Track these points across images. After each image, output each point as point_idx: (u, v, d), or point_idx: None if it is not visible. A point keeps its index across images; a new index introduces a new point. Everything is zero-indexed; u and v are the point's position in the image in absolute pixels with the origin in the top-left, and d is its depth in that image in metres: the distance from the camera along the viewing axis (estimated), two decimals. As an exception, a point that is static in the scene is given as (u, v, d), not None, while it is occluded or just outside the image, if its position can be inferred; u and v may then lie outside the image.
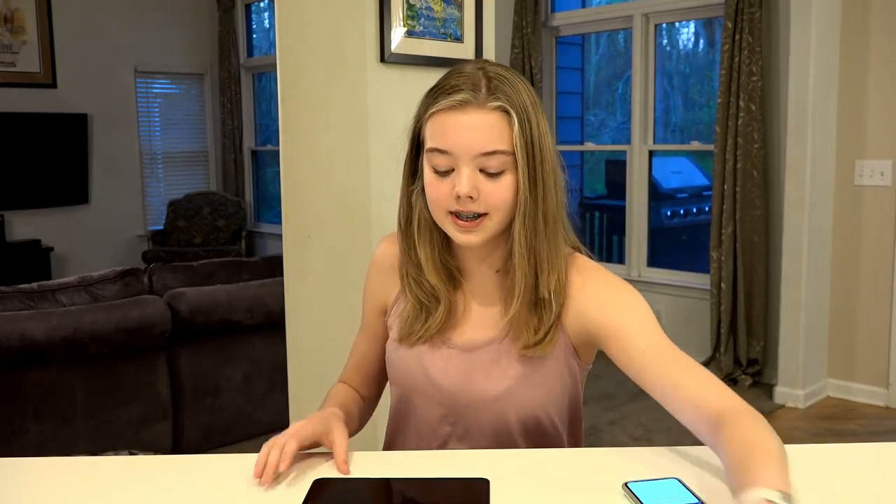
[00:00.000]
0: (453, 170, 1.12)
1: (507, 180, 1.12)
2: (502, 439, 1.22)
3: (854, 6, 3.95)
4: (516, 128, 1.10)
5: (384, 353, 1.33)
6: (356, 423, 1.33)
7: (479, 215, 1.13)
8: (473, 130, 1.10)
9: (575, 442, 1.30)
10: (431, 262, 1.21)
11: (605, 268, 1.24)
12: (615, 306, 1.17)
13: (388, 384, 1.38)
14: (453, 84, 1.12)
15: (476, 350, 1.22)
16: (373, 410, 1.42)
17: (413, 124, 1.19)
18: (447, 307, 1.22)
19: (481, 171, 1.12)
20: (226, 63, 7.16)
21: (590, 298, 1.18)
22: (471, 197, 1.11)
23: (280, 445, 1.09)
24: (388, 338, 1.32)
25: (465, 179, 1.11)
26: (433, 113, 1.13)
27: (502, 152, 1.11)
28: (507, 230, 1.16)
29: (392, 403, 1.34)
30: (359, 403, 1.36)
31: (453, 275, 1.24)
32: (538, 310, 1.17)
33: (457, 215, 1.14)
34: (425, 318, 1.23)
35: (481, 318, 1.23)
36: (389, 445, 1.35)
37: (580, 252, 1.25)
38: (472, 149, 1.10)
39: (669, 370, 1.12)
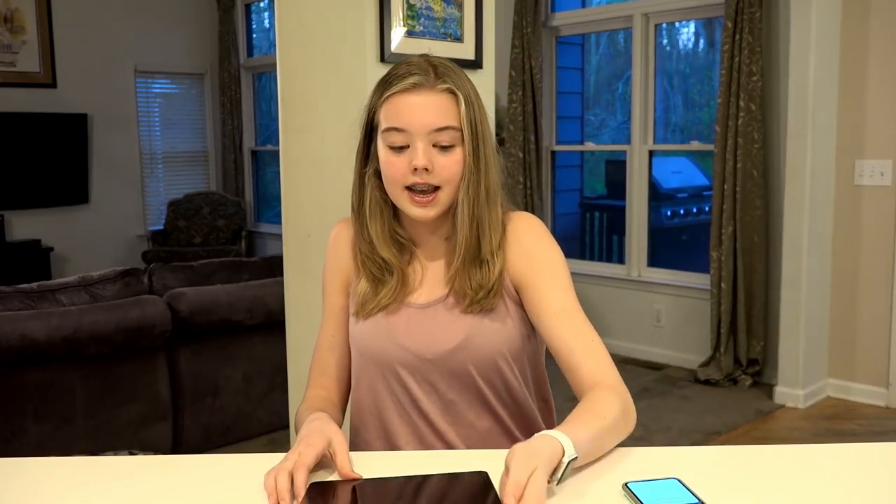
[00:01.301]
0: (408, 146, 1.23)
1: (457, 155, 1.24)
2: (469, 390, 1.29)
3: (854, 6, 3.95)
4: (462, 107, 1.23)
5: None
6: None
7: (434, 189, 1.24)
8: (426, 109, 1.22)
9: (548, 411, 1.39)
10: (382, 236, 1.31)
11: (545, 227, 1.34)
12: (537, 262, 1.28)
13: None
14: (404, 71, 1.25)
15: (432, 307, 1.31)
16: (344, 412, 1.42)
17: (366, 112, 1.30)
18: (399, 278, 1.31)
19: (434, 146, 1.23)
20: (226, 63, 7.16)
21: (518, 250, 1.29)
22: (426, 169, 1.22)
23: (287, 471, 1.03)
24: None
25: (421, 153, 1.22)
26: (388, 97, 1.24)
27: (452, 128, 1.23)
28: (454, 202, 1.27)
29: (354, 385, 1.36)
30: (333, 413, 1.34)
31: (405, 246, 1.33)
32: (482, 269, 1.27)
33: (412, 191, 1.24)
34: (378, 291, 1.31)
35: (434, 279, 1.33)
36: (356, 428, 1.37)
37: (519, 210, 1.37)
38: (425, 125, 1.22)
39: (570, 334, 1.24)
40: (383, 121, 1.25)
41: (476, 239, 1.26)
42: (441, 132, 1.22)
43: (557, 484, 1.03)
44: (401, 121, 1.22)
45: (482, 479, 1.04)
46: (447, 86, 1.23)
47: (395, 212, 1.32)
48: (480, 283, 1.26)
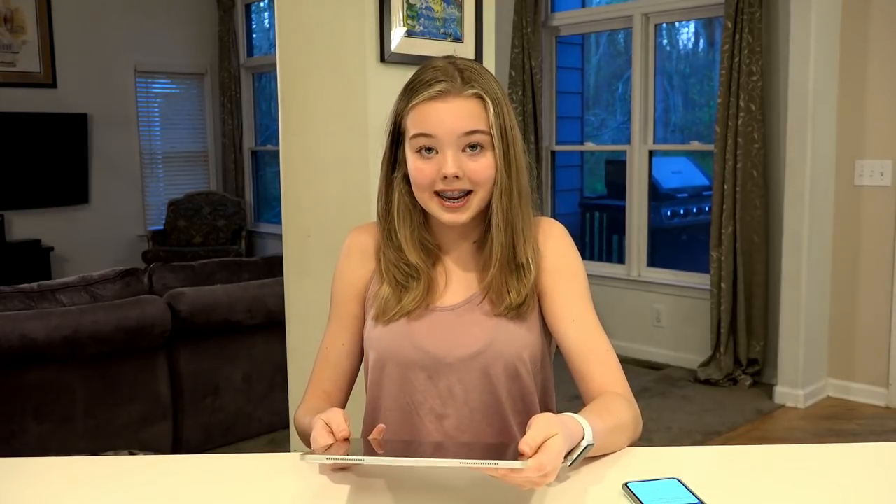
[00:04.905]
0: (437, 152, 1.22)
1: (487, 158, 1.23)
2: (486, 394, 1.27)
3: (854, 6, 3.95)
4: (491, 111, 1.22)
5: (360, 342, 1.36)
6: None
7: (466, 193, 1.23)
8: (454, 115, 1.21)
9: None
10: (411, 241, 1.29)
11: (568, 233, 1.34)
12: (559, 269, 1.29)
13: (359, 381, 1.39)
14: (430, 77, 1.23)
15: (456, 310, 1.29)
16: None
17: (392, 119, 1.28)
18: (426, 283, 1.29)
19: (463, 151, 1.22)
20: (226, 63, 7.16)
21: (542, 256, 1.29)
22: (457, 176, 1.21)
23: (323, 426, 1.09)
24: (363, 322, 1.36)
25: (451, 160, 1.21)
26: (415, 104, 1.23)
27: (481, 131, 1.22)
28: (485, 206, 1.26)
29: (370, 387, 1.34)
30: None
31: (431, 251, 1.32)
32: (518, 273, 1.26)
33: (442, 197, 1.23)
34: (401, 297, 1.29)
35: (460, 282, 1.31)
36: (368, 428, 1.34)
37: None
38: (454, 130, 1.21)
39: (585, 343, 1.26)
40: (411, 127, 1.23)
41: (511, 245, 1.25)
42: (470, 135, 1.21)
43: (570, 465, 1.04)
44: (428, 127, 1.21)
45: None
46: (475, 91, 1.21)
47: (423, 217, 1.30)
48: (518, 289, 1.25)
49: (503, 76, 5.13)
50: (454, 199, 1.22)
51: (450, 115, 1.20)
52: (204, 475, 1.14)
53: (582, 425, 1.06)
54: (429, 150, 1.22)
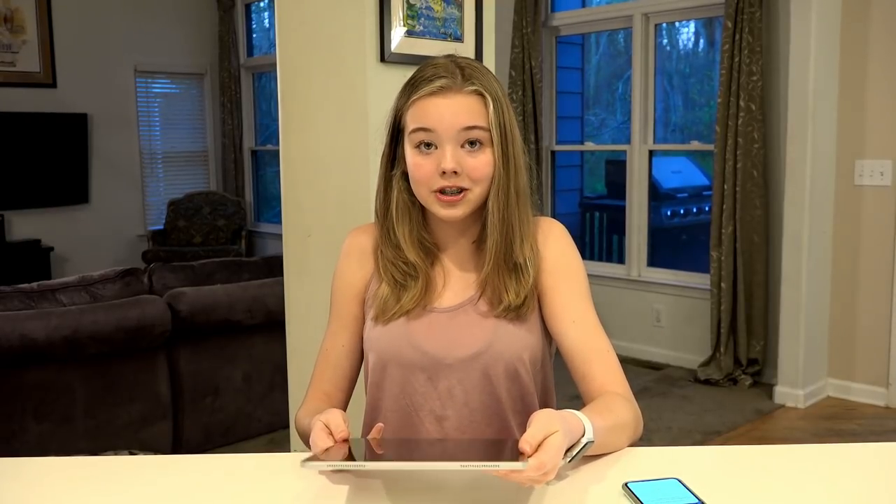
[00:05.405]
0: (436, 148, 1.21)
1: (486, 155, 1.22)
2: (486, 399, 1.27)
3: (854, 6, 3.95)
4: (491, 109, 1.22)
5: (360, 342, 1.36)
6: None
7: (462, 190, 1.22)
8: (454, 110, 1.21)
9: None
10: (409, 240, 1.29)
11: (568, 233, 1.34)
12: (559, 270, 1.29)
13: (359, 382, 1.39)
14: (430, 74, 1.23)
15: (455, 310, 1.28)
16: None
17: (392, 116, 1.28)
18: (425, 281, 1.29)
19: (462, 147, 1.21)
20: (226, 63, 7.16)
21: (542, 257, 1.29)
22: (455, 172, 1.20)
23: (322, 427, 1.08)
24: (363, 322, 1.35)
25: (450, 156, 1.20)
26: (415, 100, 1.22)
27: (481, 128, 1.21)
28: (483, 204, 1.26)
29: (370, 387, 1.34)
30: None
31: (429, 250, 1.31)
32: (517, 274, 1.26)
33: (440, 191, 1.22)
34: (400, 296, 1.28)
35: (459, 283, 1.31)
36: (369, 427, 1.34)
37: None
38: (453, 126, 1.20)
39: (585, 343, 1.26)
40: (410, 122, 1.23)
41: (507, 243, 1.25)
42: (469, 131, 1.21)
43: (570, 462, 1.03)
44: (428, 121, 1.21)
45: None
46: (475, 87, 1.21)
47: (422, 215, 1.30)
48: (517, 290, 1.25)
49: (503, 76, 5.13)
50: (451, 193, 1.22)
51: (449, 111, 1.20)
52: (204, 475, 1.14)
53: (582, 422, 1.06)
54: (428, 145, 1.21)
